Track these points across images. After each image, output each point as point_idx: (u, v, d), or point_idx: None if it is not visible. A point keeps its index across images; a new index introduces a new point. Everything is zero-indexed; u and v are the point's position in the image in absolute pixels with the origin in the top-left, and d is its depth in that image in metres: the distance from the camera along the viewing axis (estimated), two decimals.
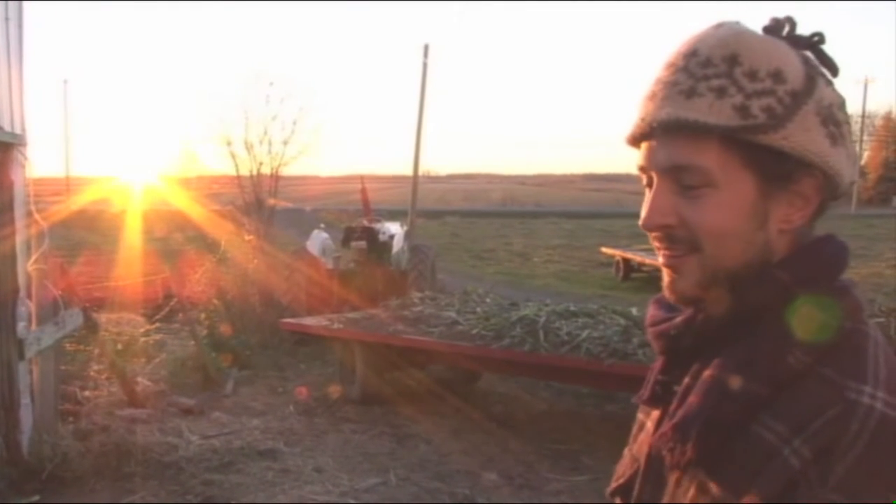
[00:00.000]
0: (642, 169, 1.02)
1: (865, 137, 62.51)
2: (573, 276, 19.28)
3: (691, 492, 0.95)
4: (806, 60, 0.98)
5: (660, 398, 1.07)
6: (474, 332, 6.97)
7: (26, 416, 5.55)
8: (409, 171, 16.01)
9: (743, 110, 0.94)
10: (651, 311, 1.11)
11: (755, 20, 1.01)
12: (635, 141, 1.03)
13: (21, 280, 5.51)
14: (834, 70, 1.01)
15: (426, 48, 15.49)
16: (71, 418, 6.42)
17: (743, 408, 0.92)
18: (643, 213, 1.00)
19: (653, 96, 0.99)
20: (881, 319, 5.96)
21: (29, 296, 5.64)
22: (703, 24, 1.02)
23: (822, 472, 0.85)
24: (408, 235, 12.20)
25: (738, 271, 0.98)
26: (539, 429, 6.89)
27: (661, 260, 1.03)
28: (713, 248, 0.97)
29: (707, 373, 0.96)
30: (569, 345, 6.35)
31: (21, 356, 5.43)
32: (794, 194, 0.98)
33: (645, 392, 1.10)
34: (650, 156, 1.00)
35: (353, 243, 11.79)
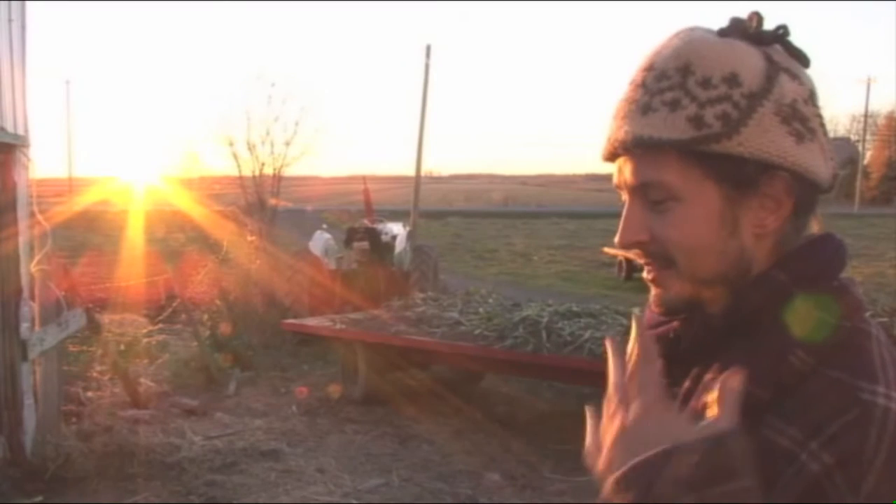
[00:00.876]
0: (616, 187, 1.03)
1: (868, 137, 62.50)
2: (575, 276, 19.28)
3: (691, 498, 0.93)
4: (769, 57, 0.96)
5: None
6: (477, 332, 6.98)
7: (29, 417, 5.56)
8: (411, 172, 16.01)
9: (696, 121, 0.93)
10: (649, 314, 1.10)
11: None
12: (608, 158, 1.03)
13: (24, 281, 5.52)
14: (804, 61, 0.99)
15: (428, 49, 15.49)
16: (74, 419, 6.43)
17: (746, 410, 0.90)
18: (618, 231, 1.01)
19: (616, 115, 1.00)
20: (884, 319, 5.95)
21: (32, 297, 5.64)
22: (702, 25, 1.02)
23: (853, 481, 0.84)
24: (410, 236, 12.20)
25: (716, 280, 0.98)
26: (542, 429, 6.88)
27: (645, 275, 1.03)
28: (685, 261, 0.97)
29: (708, 376, 0.95)
30: (571, 345, 6.35)
31: (24, 357, 5.44)
32: (764, 197, 0.96)
33: None
34: (619, 174, 1.01)
35: (356, 244, 11.78)
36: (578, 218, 37.85)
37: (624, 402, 0.92)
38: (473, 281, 14.70)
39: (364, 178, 16.09)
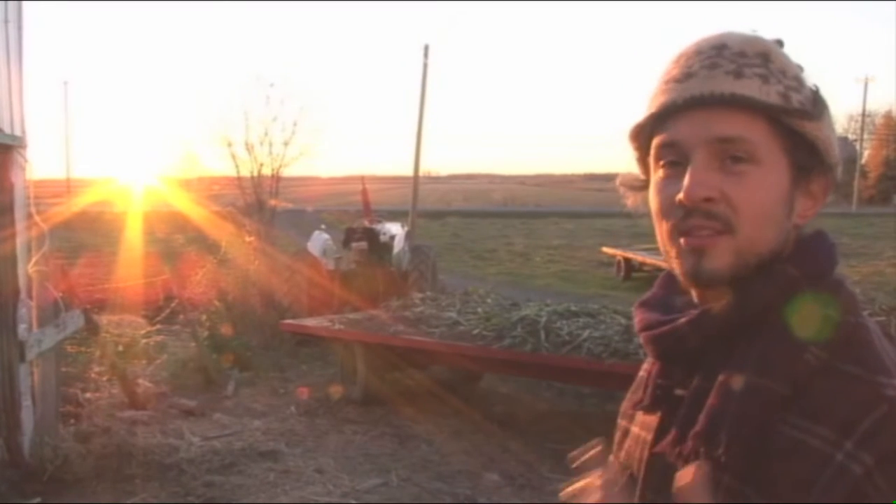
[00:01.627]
0: (669, 146, 1.00)
1: (866, 136, 62.54)
2: (574, 275, 19.28)
3: (719, 498, 0.91)
4: None
5: (660, 403, 1.05)
6: (475, 332, 6.97)
7: (27, 418, 5.55)
8: (409, 172, 16.04)
9: (785, 98, 0.97)
10: (640, 316, 1.09)
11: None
12: (658, 122, 1.01)
13: (22, 282, 5.51)
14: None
15: (426, 49, 15.51)
16: (72, 420, 6.42)
17: (769, 408, 0.91)
18: (686, 184, 0.96)
19: (688, 77, 0.99)
20: (882, 318, 5.95)
21: (30, 297, 5.64)
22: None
23: (890, 479, 0.84)
24: (409, 236, 12.21)
25: (767, 257, 0.98)
26: (540, 429, 6.88)
27: (682, 243, 0.99)
28: (750, 228, 0.96)
29: (724, 375, 0.94)
30: (570, 345, 6.35)
31: (22, 358, 5.43)
32: (808, 191, 1.01)
33: (645, 398, 1.07)
34: (692, 128, 0.98)
35: (354, 244, 11.78)
36: (577, 217, 37.88)
37: None
38: (472, 281, 14.71)
39: (362, 179, 16.08)
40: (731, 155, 0.96)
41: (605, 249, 20.17)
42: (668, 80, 1.01)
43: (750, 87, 0.96)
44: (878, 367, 0.91)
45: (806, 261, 0.99)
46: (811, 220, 1.04)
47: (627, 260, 17.72)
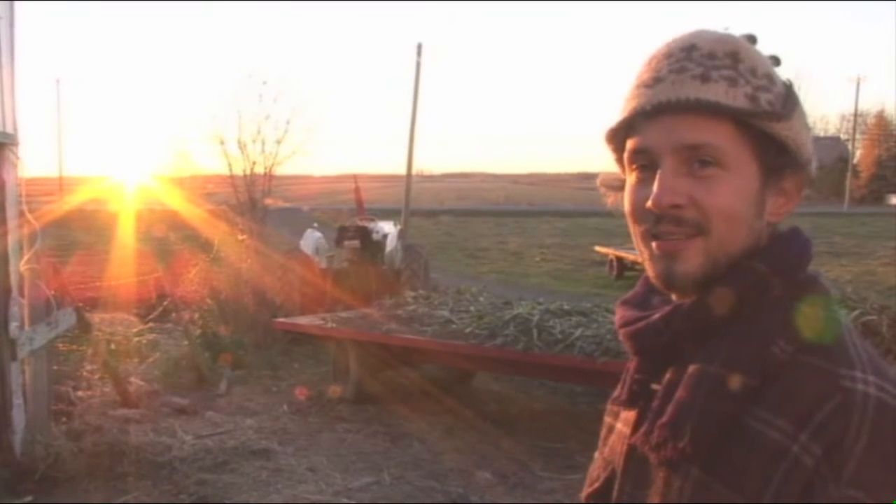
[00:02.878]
0: (639, 152, 1.02)
1: (858, 136, 62.72)
2: (567, 274, 19.30)
3: (687, 490, 0.94)
4: None
5: (637, 398, 1.06)
6: (468, 330, 6.98)
7: (19, 417, 5.54)
8: (402, 171, 16.05)
9: (753, 100, 0.97)
10: (620, 314, 1.11)
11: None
12: (629, 126, 1.03)
13: (14, 280, 5.49)
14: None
15: (419, 47, 15.52)
16: (64, 418, 6.40)
17: (735, 400, 0.92)
18: (654, 192, 0.98)
19: (657, 81, 1.00)
20: (873, 317, 5.97)
21: (21, 295, 5.62)
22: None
23: (835, 468, 0.85)
24: (401, 234, 12.22)
25: (738, 257, 0.99)
26: (533, 427, 6.90)
27: (654, 247, 1.01)
28: (722, 230, 0.98)
29: (693, 367, 0.96)
30: (562, 343, 6.36)
31: (13, 356, 5.41)
32: (780, 190, 1.02)
33: (623, 393, 1.10)
34: (660, 135, 0.99)
35: (347, 242, 11.78)
36: (570, 217, 37.93)
37: None
38: (465, 279, 14.72)
39: (355, 177, 16.09)
40: (698, 159, 0.98)
41: (597, 248, 20.20)
42: (639, 84, 1.02)
43: (716, 92, 0.97)
44: (841, 359, 0.92)
45: (775, 257, 1.00)
46: (794, 217, 1.07)
47: (620, 259, 17.74)
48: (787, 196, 1.03)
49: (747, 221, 0.99)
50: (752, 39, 1.03)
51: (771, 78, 1.00)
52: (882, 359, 0.97)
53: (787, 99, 1.00)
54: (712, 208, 0.97)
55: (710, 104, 0.97)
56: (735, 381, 0.92)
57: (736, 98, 0.97)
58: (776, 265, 0.99)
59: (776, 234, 1.04)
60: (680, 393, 0.96)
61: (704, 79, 0.97)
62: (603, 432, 1.17)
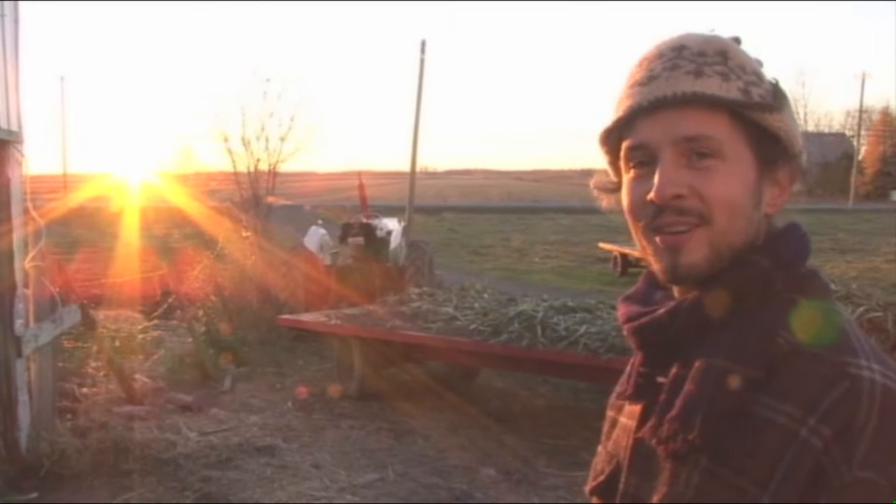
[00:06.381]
0: (637, 148, 1.04)
1: (863, 132, 62.61)
2: (571, 271, 19.28)
3: (694, 479, 0.96)
4: None
5: (643, 392, 1.08)
6: (472, 327, 6.97)
7: (24, 414, 5.55)
8: (406, 167, 16.02)
9: (746, 93, 1.01)
10: (623, 310, 1.13)
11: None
12: (625, 125, 1.05)
13: (18, 277, 5.51)
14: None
15: (423, 44, 15.48)
16: (69, 415, 6.42)
17: (742, 391, 0.94)
18: (656, 183, 1.00)
19: (651, 79, 1.02)
20: (878, 313, 5.95)
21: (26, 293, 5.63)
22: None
23: (847, 451, 0.87)
24: (405, 231, 12.20)
25: (740, 248, 1.01)
26: (537, 424, 6.90)
27: (658, 241, 1.03)
28: (724, 220, 1.00)
29: (699, 361, 0.98)
30: (567, 340, 6.35)
31: (19, 353, 5.43)
32: (774, 181, 1.04)
33: (629, 387, 1.11)
34: (658, 129, 1.01)
35: (351, 239, 11.77)
36: (574, 213, 37.86)
37: None
38: (469, 276, 14.71)
39: (359, 174, 16.07)
40: (697, 151, 1.00)
41: (601, 245, 20.15)
42: (632, 84, 1.05)
43: (710, 85, 1.00)
44: (844, 348, 0.95)
45: (776, 251, 1.03)
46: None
47: (624, 255, 17.70)
48: (780, 187, 1.05)
49: (746, 211, 1.01)
50: (737, 41, 1.06)
51: (759, 75, 1.03)
52: (882, 351, 0.99)
53: (776, 94, 1.03)
54: (713, 198, 0.99)
55: (707, 97, 0.99)
56: (740, 373, 0.94)
57: (730, 91, 1.00)
58: (778, 259, 1.02)
59: (776, 229, 1.06)
60: (688, 386, 0.97)
61: (698, 74, 1.00)
62: (606, 426, 1.19)
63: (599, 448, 1.18)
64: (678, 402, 0.98)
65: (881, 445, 0.87)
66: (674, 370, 1.01)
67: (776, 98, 1.02)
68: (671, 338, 1.03)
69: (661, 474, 1.00)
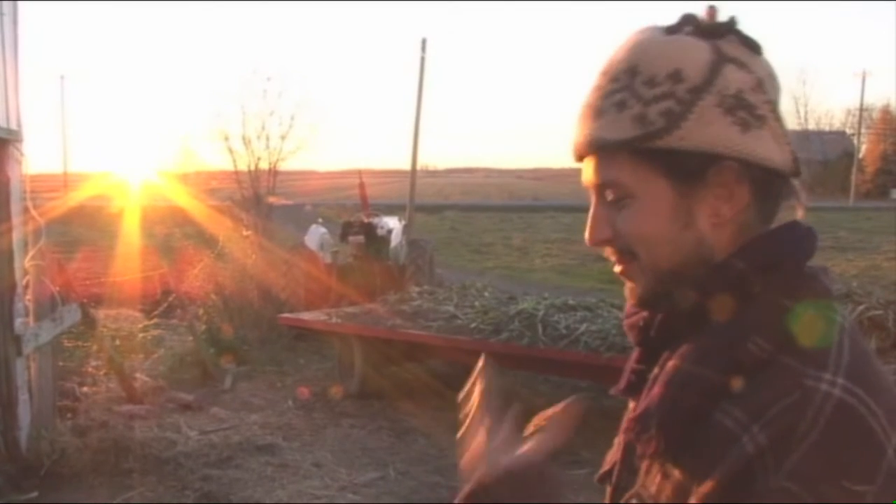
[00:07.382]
0: (585, 187, 1.07)
1: (863, 130, 62.62)
2: (571, 269, 19.26)
3: (657, 478, 0.97)
4: (717, 50, 0.98)
5: (635, 388, 1.09)
6: (472, 326, 6.97)
7: (24, 413, 5.55)
8: (407, 166, 16.03)
9: (640, 119, 0.96)
10: (627, 306, 1.14)
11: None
12: (578, 160, 1.08)
13: (18, 276, 5.50)
14: (755, 49, 1.00)
15: (424, 42, 15.50)
16: (69, 414, 6.42)
17: (702, 396, 0.93)
18: (586, 232, 1.05)
19: (577, 119, 1.05)
20: (879, 312, 5.95)
21: (26, 292, 5.63)
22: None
23: (778, 459, 0.85)
24: (406, 230, 12.19)
25: (678, 270, 1.00)
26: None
27: (615, 270, 1.07)
28: (646, 253, 1.01)
29: (670, 363, 0.98)
30: (567, 338, 6.35)
31: (19, 352, 5.43)
32: (715, 188, 0.98)
33: (621, 383, 1.13)
34: (585, 172, 1.05)
35: (351, 238, 11.76)
36: (574, 212, 37.83)
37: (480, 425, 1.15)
38: (469, 275, 14.72)
39: (360, 173, 16.07)
40: (608, 199, 1.02)
41: None
42: (575, 116, 1.07)
43: (604, 127, 0.99)
44: (815, 360, 0.90)
45: (754, 253, 0.99)
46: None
47: None
48: (727, 190, 0.98)
49: (668, 238, 0.99)
50: (695, 17, 1.00)
51: (677, 76, 0.96)
52: (875, 365, 0.95)
53: (696, 92, 0.95)
54: (629, 236, 1.01)
55: (601, 142, 0.99)
56: (703, 378, 0.93)
57: (621, 126, 0.97)
58: (755, 261, 0.98)
59: (766, 230, 1.01)
60: (655, 388, 0.98)
61: (597, 114, 1.00)
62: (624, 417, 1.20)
63: (616, 438, 1.19)
64: (640, 404, 1.00)
65: (815, 460, 0.84)
66: (655, 371, 1.02)
67: (689, 103, 0.95)
68: (654, 338, 1.05)
69: (639, 469, 1.02)
